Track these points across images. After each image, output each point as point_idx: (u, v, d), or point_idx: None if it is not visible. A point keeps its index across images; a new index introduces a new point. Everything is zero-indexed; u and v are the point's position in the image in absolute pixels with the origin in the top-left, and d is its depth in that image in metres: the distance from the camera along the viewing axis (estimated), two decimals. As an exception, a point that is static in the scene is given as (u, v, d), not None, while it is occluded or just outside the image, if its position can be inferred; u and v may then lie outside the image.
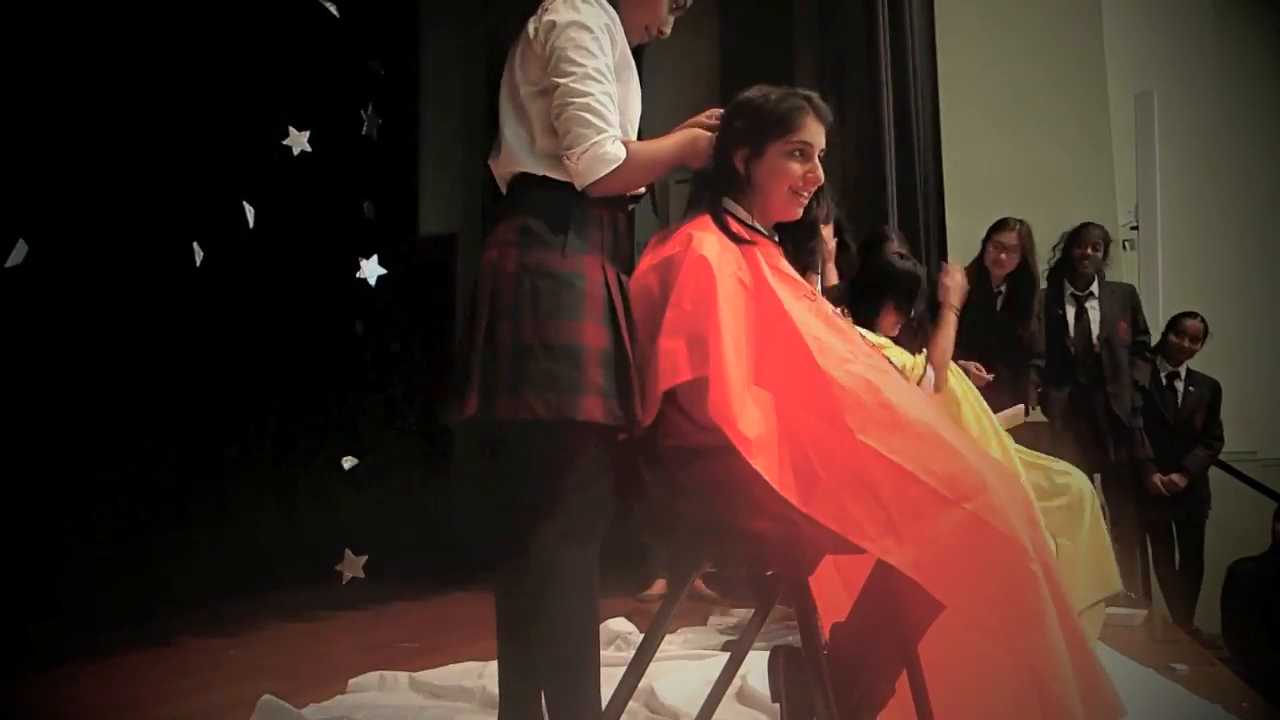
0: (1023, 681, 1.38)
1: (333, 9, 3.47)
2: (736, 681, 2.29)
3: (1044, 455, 3.01)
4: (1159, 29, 5.48)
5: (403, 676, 2.54)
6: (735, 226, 1.69)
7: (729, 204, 1.73)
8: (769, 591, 1.64)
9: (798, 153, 1.69)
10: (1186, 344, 4.45)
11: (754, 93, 1.75)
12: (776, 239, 1.77)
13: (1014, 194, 4.78)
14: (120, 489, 3.42)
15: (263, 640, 3.35)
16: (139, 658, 3.02)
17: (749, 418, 1.48)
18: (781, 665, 1.59)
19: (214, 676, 2.79)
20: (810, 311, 1.64)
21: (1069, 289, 4.18)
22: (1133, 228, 4.77)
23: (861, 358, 1.60)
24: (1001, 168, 4.82)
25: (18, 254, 2.68)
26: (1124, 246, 4.68)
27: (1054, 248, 4.19)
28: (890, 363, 1.92)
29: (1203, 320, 4.47)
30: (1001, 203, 4.77)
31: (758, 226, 1.73)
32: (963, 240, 4.86)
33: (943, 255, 4.86)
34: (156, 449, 3.63)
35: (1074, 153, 4.73)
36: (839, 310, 1.79)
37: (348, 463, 3.64)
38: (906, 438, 1.46)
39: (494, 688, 1.97)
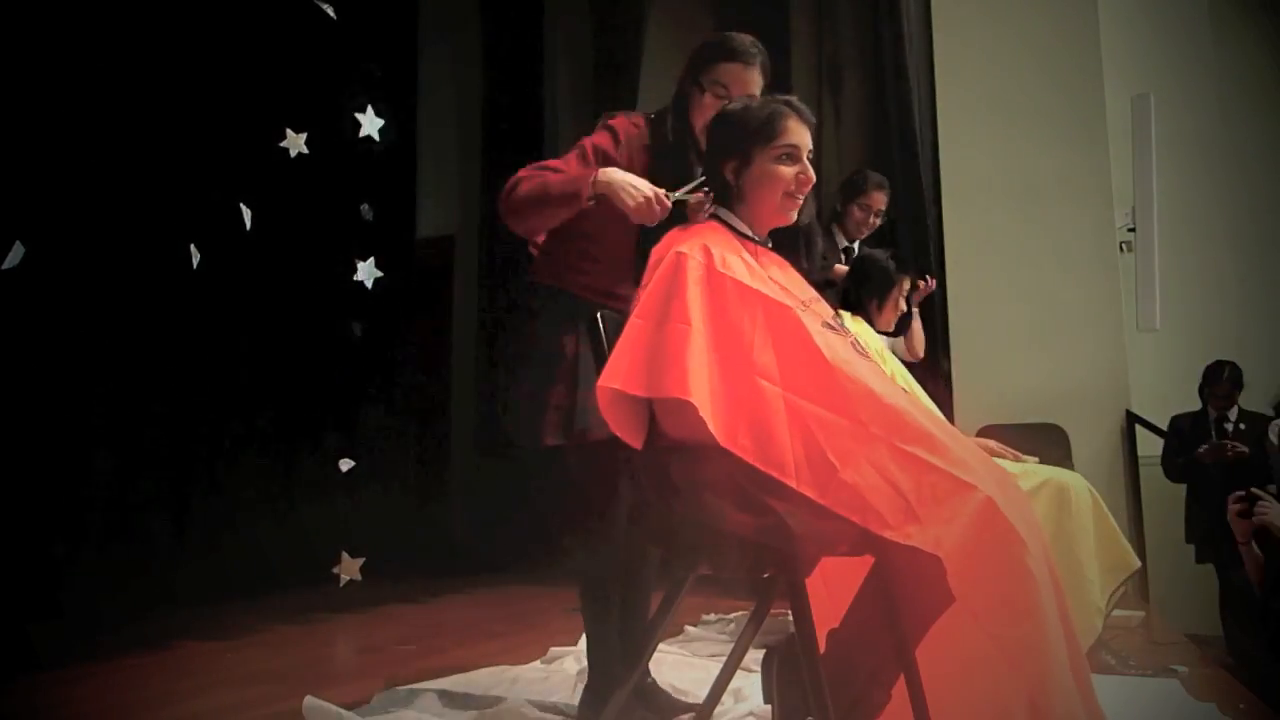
0: (1012, 682, 1.37)
1: (330, 11, 3.47)
2: (744, 690, 2.30)
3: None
4: (1156, 31, 5.48)
5: (431, 688, 2.49)
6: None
7: (723, 213, 1.75)
8: (766, 593, 1.64)
9: (785, 156, 1.70)
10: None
11: (735, 105, 1.79)
12: (770, 245, 1.79)
13: (1011, 196, 4.78)
14: (119, 492, 3.42)
15: (261, 642, 3.35)
16: (138, 660, 3.02)
17: (696, 384, 1.48)
18: (774, 667, 1.59)
19: (213, 679, 2.79)
20: (810, 315, 1.65)
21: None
22: (1130, 230, 4.77)
23: (859, 362, 1.61)
24: (998, 170, 4.82)
25: (14, 256, 2.68)
26: (1121, 249, 4.68)
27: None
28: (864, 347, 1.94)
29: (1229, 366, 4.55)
30: (999, 205, 4.79)
31: (753, 235, 1.75)
32: (960, 241, 4.87)
33: (940, 256, 4.87)
34: (154, 452, 3.63)
35: (1071, 155, 4.72)
36: (835, 316, 1.78)
37: (345, 465, 3.64)
38: (915, 431, 1.48)
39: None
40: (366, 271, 3.77)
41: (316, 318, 4.27)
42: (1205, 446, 4.39)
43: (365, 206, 4.35)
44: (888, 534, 1.42)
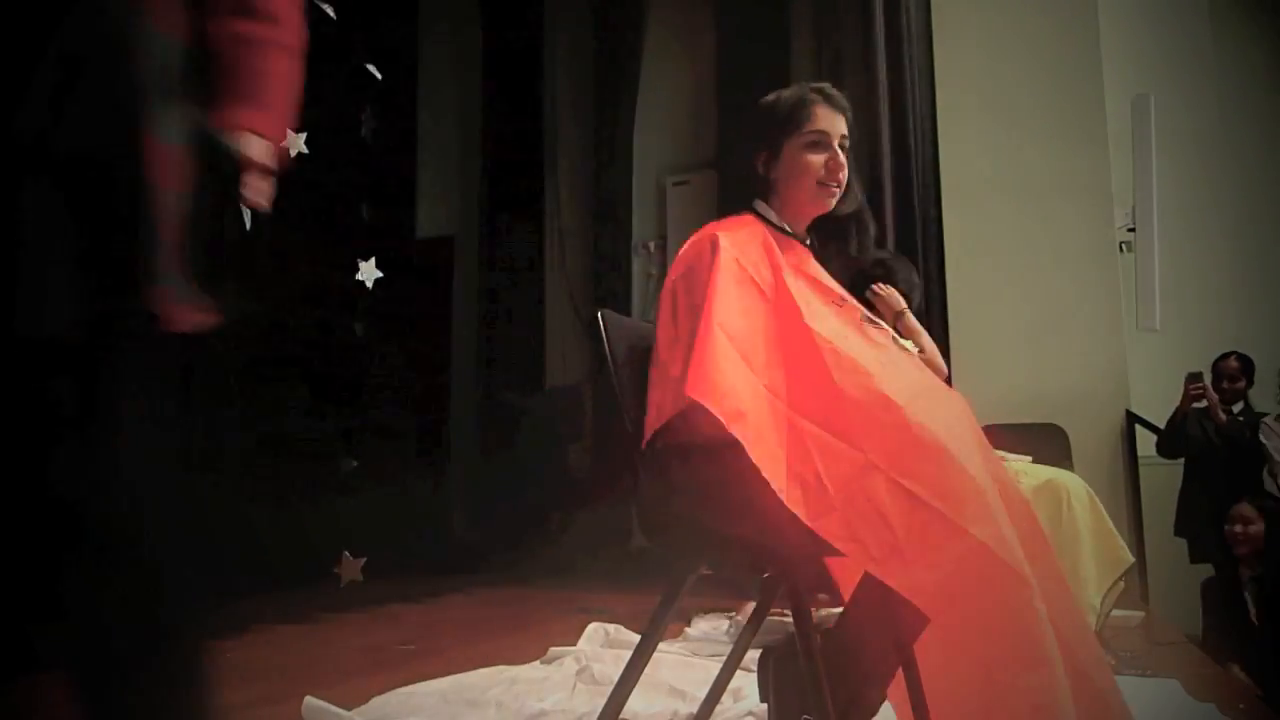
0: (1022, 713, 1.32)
1: (330, 11, 3.47)
2: (744, 690, 2.31)
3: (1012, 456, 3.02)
4: (1156, 32, 5.49)
5: (431, 688, 2.49)
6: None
7: (759, 206, 1.74)
8: (766, 593, 1.64)
9: (814, 144, 1.68)
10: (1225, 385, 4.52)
11: (768, 97, 1.76)
12: (809, 242, 1.77)
13: (1011, 196, 4.79)
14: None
15: (261, 642, 3.35)
16: (137, 660, 3.01)
17: (733, 394, 1.45)
18: (770, 667, 1.58)
19: (213, 679, 2.78)
20: (838, 318, 1.62)
21: None
22: (1130, 230, 4.77)
23: (889, 368, 1.55)
24: (998, 169, 4.83)
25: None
26: (1121, 249, 4.69)
27: None
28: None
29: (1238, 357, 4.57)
30: (998, 204, 4.79)
31: (787, 228, 1.73)
32: (960, 241, 4.87)
33: (940, 256, 4.87)
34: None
35: (1070, 155, 4.73)
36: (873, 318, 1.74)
37: (345, 465, 3.64)
38: (918, 459, 1.41)
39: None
40: (367, 271, 3.77)
41: (317, 317, 4.27)
42: (1188, 380, 4.39)
43: (365, 206, 4.36)
44: (871, 567, 1.38)
